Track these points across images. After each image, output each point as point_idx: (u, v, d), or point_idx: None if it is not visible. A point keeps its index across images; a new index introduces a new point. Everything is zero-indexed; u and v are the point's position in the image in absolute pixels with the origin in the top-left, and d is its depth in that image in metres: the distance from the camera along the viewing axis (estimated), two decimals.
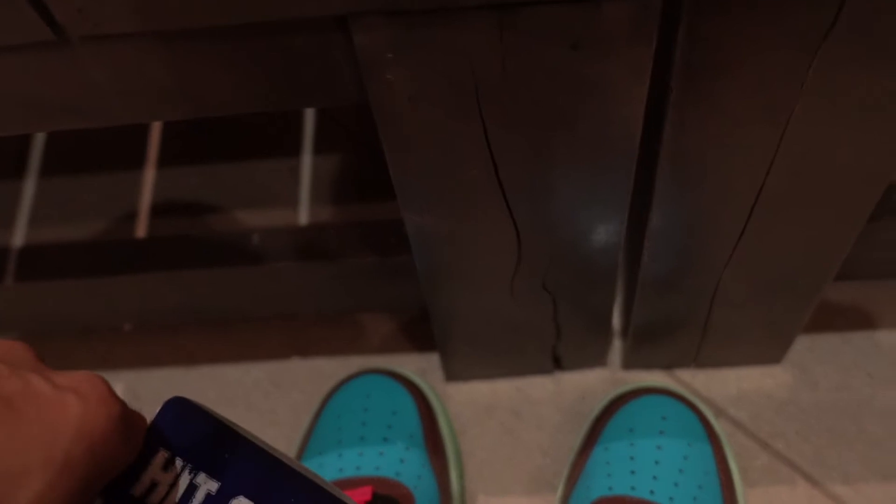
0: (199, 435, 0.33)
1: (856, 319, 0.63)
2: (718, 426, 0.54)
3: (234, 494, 0.33)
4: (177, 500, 0.32)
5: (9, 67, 0.35)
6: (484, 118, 0.36)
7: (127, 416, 0.29)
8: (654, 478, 0.51)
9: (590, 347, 0.61)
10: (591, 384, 0.62)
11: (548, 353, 0.60)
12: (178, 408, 0.33)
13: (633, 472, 0.51)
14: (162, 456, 0.32)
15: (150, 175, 0.70)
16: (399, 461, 0.53)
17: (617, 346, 0.63)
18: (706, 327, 0.57)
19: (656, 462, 0.51)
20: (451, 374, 0.63)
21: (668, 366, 0.62)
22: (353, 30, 0.32)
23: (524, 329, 0.56)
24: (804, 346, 0.62)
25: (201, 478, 0.33)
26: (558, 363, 0.62)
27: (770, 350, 0.60)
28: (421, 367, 0.63)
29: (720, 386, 0.61)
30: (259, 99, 0.38)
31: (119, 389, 0.64)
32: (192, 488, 0.32)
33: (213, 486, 0.33)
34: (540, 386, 0.63)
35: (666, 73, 0.36)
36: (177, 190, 0.69)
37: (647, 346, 0.60)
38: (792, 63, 0.34)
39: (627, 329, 0.60)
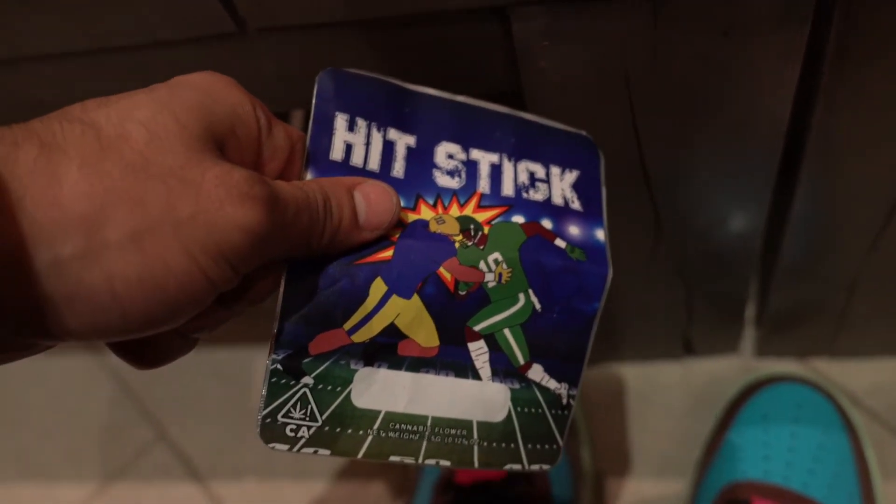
0: (368, 95, 0.32)
1: None
2: (855, 416, 0.54)
3: (436, 142, 0.33)
4: (379, 158, 0.31)
5: (188, 58, 0.38)
6: (633, 104, 0.37)
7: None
8: (789, 464, 0.51)
9: (722, 334, 0.61)
10: (722, 371, 0.62)
11: (678, 338, 0.60)
12: (335, 76, 0.32)
13: (766, 458, 0.51)
14: (342, 119, 0.31)
15: None
16: None
17: (749, 334, 0.63)
18: (843, 316, 0.56)
19: (790, 449, 0.51)
20: None
21: (801, 354, 0.62)
22: (513, 19, 0.33)
23: (656, 312, 0.57)
24: None
25: (393, 133, 0.32)
26: (689, 349, 0.62)
27: None
28: None
29: (856, 376, 0.60)
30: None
31: None
32: (388, 145, 0.32)
33: (410, 139, 0.32)
34: (669, 371, 0.63)
35: (817, 58, 0.36)
36: None
37: (781, 333, 0.59)
38: None
39: (761, 316, 0.60)
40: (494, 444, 0.33)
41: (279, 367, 0.29)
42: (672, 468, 0.59)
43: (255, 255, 0.25)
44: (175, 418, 0.69)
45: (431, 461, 0.32)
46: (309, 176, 0.30)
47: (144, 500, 0.66)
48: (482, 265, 0.32)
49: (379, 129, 0.32)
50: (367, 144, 0.31)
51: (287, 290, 0.29)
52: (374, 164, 0.31)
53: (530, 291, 0.32)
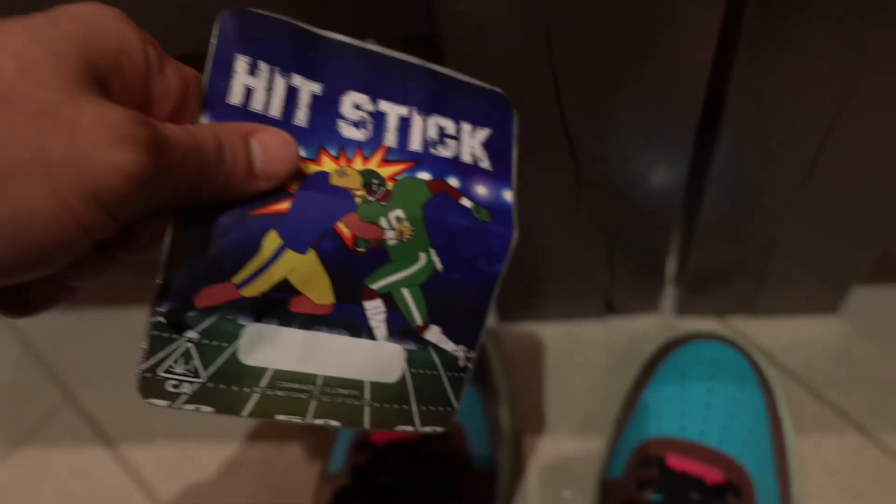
0: (273, 38, 0.30)
1: None
2: (771, 373, 0.54)
3: (343, 91, 0.31)
4: (281, 105, 0.30)
5: None
6: (552, 52, 0.36)
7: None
8: (704, 420, 0.51)
9: (643, 292, 0.61)
10: (643, 329, 0.62)
11: (600, 296, 0.60)
12: (238, 16, 0.29)
13: (682, 415, 0.51)
14: (243, 61, 0.29)
15: None
16: None
17: (670, 293, 0.63)
18: (762, 275, 0.56)
19: (707, 405, 0.51)
20: (504, 315, 0.63)
21: (721, 313, 0.62)
22: None
23: (579, 271, 0.56)
24: (861, 296, 0.61)
25: (297, 80, 0.30)
26: (610, 307, 0.62)
27: (826, 299, 0.60)
28: None
29: (774, 334, 0.61)
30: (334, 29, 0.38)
31: None
32: (292, 92, 0.30)
33: (315, 86, 0.31)
34: (591, 330, 0.63)
35: (738, 7, 0.35)
36: None
37: (701, 292, 0.59)
38: None
39: (682, 276, 0.60)
40: (387, 405, 0.32)
41: (162, 319, 0.28)
42: (592, 426, 0.59)
43: (135, 201, 0.24)
44: (83, 381, 0.67)
45: (320, 421, 0.31)
46: (204, 120, 0.28)
47: (53, 465, 0.63)
48: (383, 222, 0.30)
49: (282, 75, 0.30)
50: (269, 90, 0.30)
51: (174, 239, 0.27)
52: (275, 110, 0.30)
53: (432, 251, 0.31)
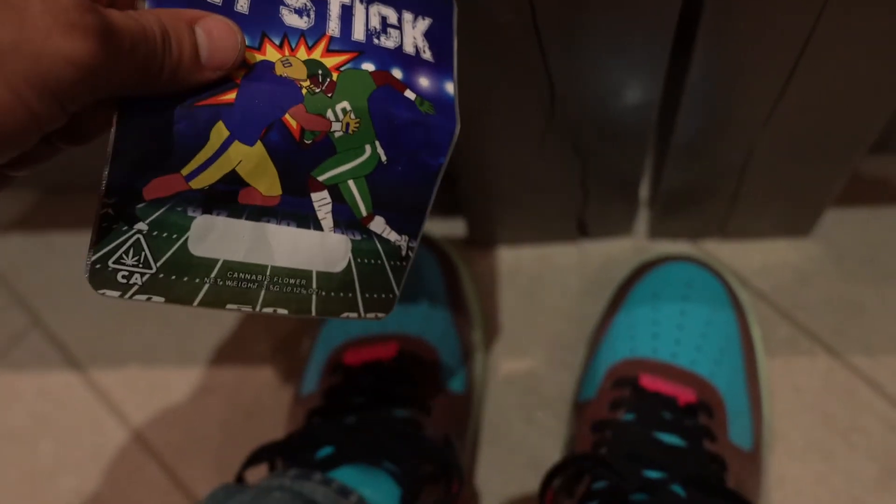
0: None
1: (887, 194, 0.62)
2: (743, 294, 0.54)
3: None
4: None
5: None
6: None
7: None
8: (677, 342, 0.51)
9: (616, 215, 0.60)
10: (616, 253, 0.62)
11: (573, 219, 0.60)
12: None
13: (655, 336, 0.51)
14: None
15: None
16: (423, 319, 0.53)
17: (643, 217, 0.63)
18: (735, 196, 0.56)
19: (679, 327, 0.51)
20: (476, 239, 0.63)
21: (694, 236, 0.62)
22: None
23: (552, 192, 0.56)
24: (833, 219, 0.61)
25: None
26: (583, 230, 0.62)
27: (798, 222, 0.60)
28: (446, 231, 0.63)
29: (745, 257, 0.61)
30: None
31: None
32: None
33: None
34: (564, 253, 0.63)
35: None
36: None
37: (674, 215, 0.59)
38: None
39: (655, 199, 0.59)
40: (333, 294, 0.33)
41: (110, 211, 0.28)
42: (566, 349, 0.59)
43: (85, 91, 0.23)
44: (49, 305, 0.66)
45: (269, 310, 0.32)
46: (145, 6, 0.27)
47: (21, 388, 0.63)
48: (329, 114, 0.30)
49: None
50: None
51: (120, 130, 0.27)
52: None
53: (377, 143, 0.31)
